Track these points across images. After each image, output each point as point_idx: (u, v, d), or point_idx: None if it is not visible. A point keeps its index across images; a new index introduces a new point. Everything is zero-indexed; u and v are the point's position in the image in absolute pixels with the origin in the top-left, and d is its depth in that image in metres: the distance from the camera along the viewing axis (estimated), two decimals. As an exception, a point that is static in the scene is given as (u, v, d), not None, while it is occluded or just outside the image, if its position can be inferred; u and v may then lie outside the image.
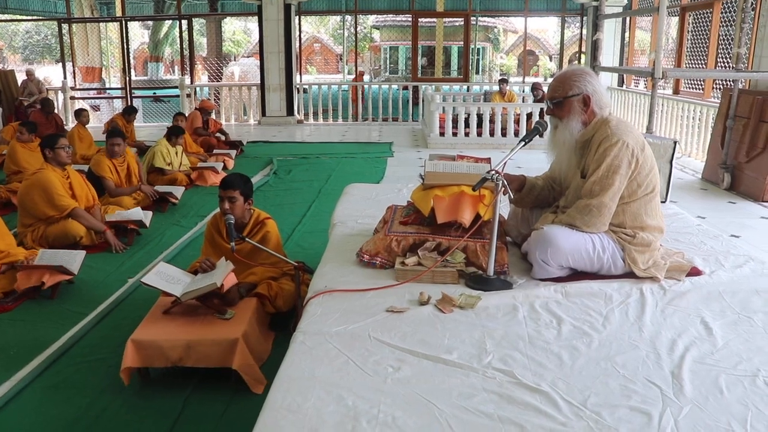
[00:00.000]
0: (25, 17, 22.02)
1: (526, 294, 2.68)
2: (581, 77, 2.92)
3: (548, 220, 3.01)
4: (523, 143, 2.92)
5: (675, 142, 6.76)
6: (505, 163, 2.79)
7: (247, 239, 3.60)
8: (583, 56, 15.60)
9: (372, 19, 30.50)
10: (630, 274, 2.86)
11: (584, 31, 15.57)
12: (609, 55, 13.71)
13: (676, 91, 11.45)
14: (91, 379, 3.32)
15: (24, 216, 5.30)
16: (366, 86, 15.85)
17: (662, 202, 3.78)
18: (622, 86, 14.06)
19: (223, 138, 10.59)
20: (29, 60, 33.48)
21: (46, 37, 33.43)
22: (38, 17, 22.89)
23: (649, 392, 1.94)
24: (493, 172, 2.74)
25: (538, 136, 2.99)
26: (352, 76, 20.78)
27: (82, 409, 3.04)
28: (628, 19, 14.33)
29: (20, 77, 14.45)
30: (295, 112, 14.51)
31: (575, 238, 2.84)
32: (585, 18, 15.46)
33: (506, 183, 2.74)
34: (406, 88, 16.61)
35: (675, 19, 12.02)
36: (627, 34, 14.61)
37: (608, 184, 2.80)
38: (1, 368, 3.41)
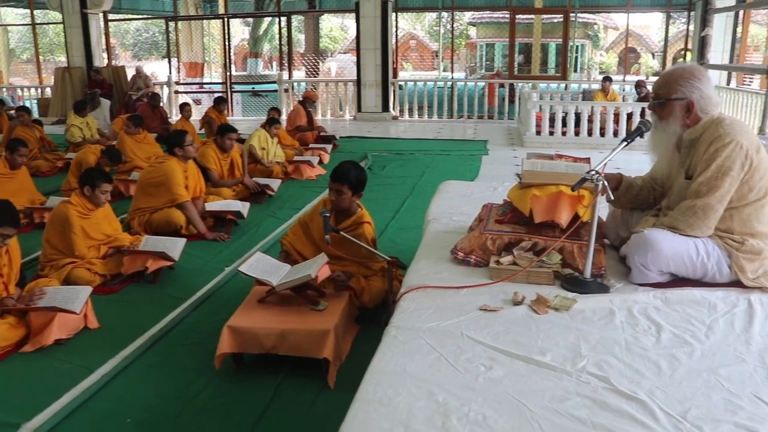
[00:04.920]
0: (135, 16, 23.16)
1: (624, 298, 2.59)
2: (689, 81, 2.78)
3: (649, 223, 2.90)
4: (626, 143, 2.82)
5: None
6: (605, 164, 2.72)
7: (342, 233, 3.65)
8: (688, 54, 14.95)
9: (468, 15, 30.23)
10: (736, 283, 2.72)
11: (691, 27, 14.91)
12: (717, 52, 13.04)
13: (792, 90, 10.79)
14: (189, 362, 3.48)
15: (139, 199, 5.63)
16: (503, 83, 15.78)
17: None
18: (730, 85, 13.38)
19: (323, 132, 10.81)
20: (138, 57, 35.05)
21: (153, 34, 34.92)
22: (147, 16, 24.01)
23: (756, 409, 1.84)
24: (593, 172, 2.67)
25: (639, 136, 2.88)
26: (448, 73, 20.71)
27: (181, 389, 3.19)
28: (740, 12, 13.60)
29: (130, 73, 15.22)
30: (391, 108, 14.60)
31: (678, 242, 2.72)
32: (693, 13, 14.80)
33: (606, 184, 2.67)
34: (502, 85, 16.40)
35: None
36: (739, 29, 13.88)
37: (717, 185, 2.67)
38: (109, 345, 3.64)
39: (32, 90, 17.10)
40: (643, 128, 2.90)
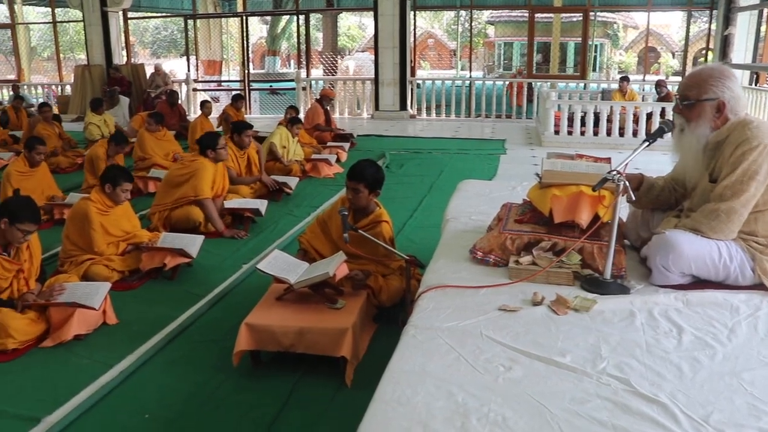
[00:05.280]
0: (155, 14, 23.33)
1: (645, 300, 2.57)
2: (720, 81, 2.72)
3: (671, 224, 2.87)
4: (647, 143, 2.79)
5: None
6: (626, 164, 2.69)
7: (360, 231, 3.64)
8: (710, 53, 14.78)
9: (487, 14, 30.16)
10: (759, 286, 2.67)
11: (713, 26, 14.74)
12: (740, 51, 12.84)
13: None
14: (206, 358, 3.49)
15: (163, 195, 5.69)
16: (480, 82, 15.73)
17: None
18: (752, 85, 13.19)
19: (342, 131, 10.79)
20: (157, 54, 35.30)
21: (172, 32, 35.14)
22: (166, 14, 24.17)
23: (781, 414, 1.81)
24: (615, 172, 2.64)
25: (659, 137, 2.84)
26: (466, 72, 20.64)
27: (198, 385, 3.20)
28: (764, 11, 13.38)
29: (149, 70, 15.33)
30: (408, 107, 14.57)
31: (700, 244, 2.68)
32: (715, 11, 14.63)
33: (627, 184, 2.64)
34: (522, 86, 16.32)
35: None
36: (763, 28, 13.66)
37: (742, 189, 2.62)
38: (128, 341, 3.66)
39: (52, 87, 17.29)
40: (665, 128, 2.86)
